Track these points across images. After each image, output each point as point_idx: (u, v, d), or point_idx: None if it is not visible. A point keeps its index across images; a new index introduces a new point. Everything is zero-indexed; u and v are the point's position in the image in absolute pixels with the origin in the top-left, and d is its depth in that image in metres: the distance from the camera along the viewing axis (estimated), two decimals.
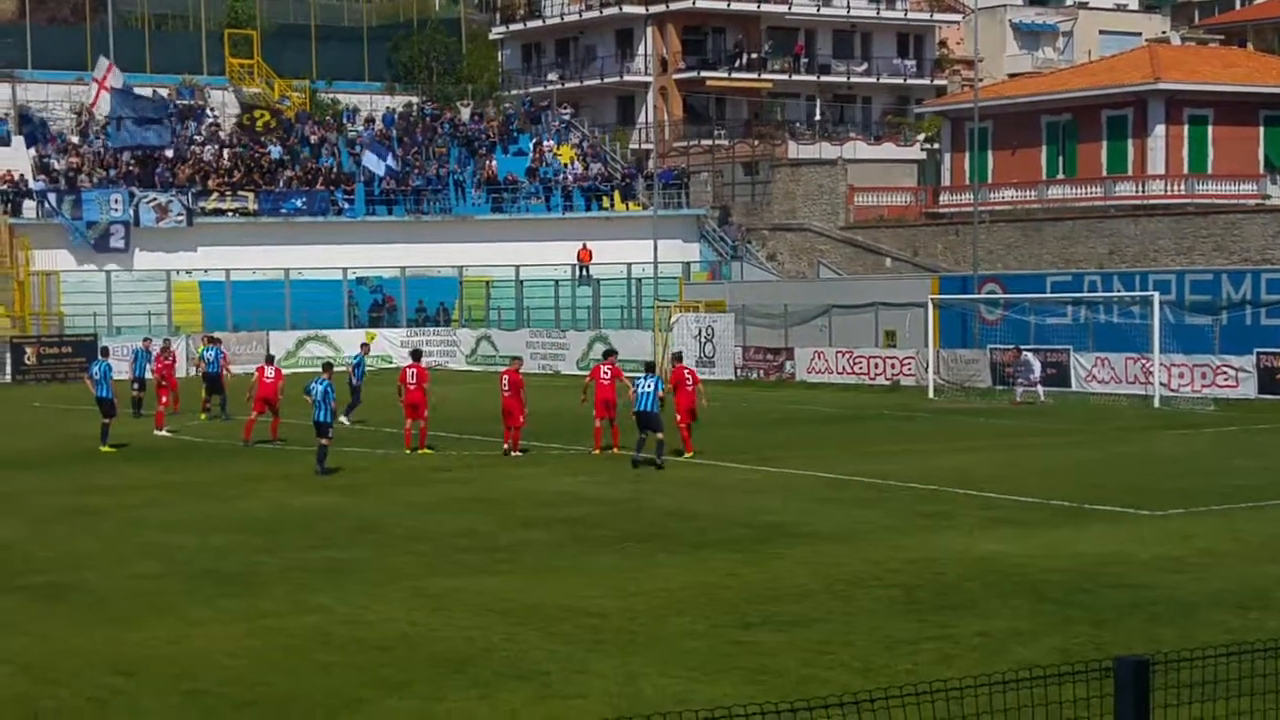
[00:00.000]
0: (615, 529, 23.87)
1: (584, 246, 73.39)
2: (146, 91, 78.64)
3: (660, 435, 31.57)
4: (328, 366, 33.24)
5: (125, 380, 44.53)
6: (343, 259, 72.03)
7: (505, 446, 34.04)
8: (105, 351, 41.70)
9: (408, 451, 34.61)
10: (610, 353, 37.32)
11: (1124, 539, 22.26)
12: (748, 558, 21.03)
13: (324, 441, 31.06)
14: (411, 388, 34.83)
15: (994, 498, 26.43)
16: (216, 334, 53.80)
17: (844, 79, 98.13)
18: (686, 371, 34.53)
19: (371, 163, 76.42)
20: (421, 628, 17.16)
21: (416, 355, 37.33)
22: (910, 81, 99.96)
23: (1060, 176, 77.28)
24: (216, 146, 77.35)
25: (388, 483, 29.99)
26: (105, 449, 36.45)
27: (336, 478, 30.53)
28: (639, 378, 32.95)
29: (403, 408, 35.32)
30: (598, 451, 34.06)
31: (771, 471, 30.69)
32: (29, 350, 63.14)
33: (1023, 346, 47.44)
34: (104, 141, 74.88)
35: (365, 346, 46.87)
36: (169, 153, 74.39)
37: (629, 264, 70.35)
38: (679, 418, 33.41)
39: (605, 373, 34.64)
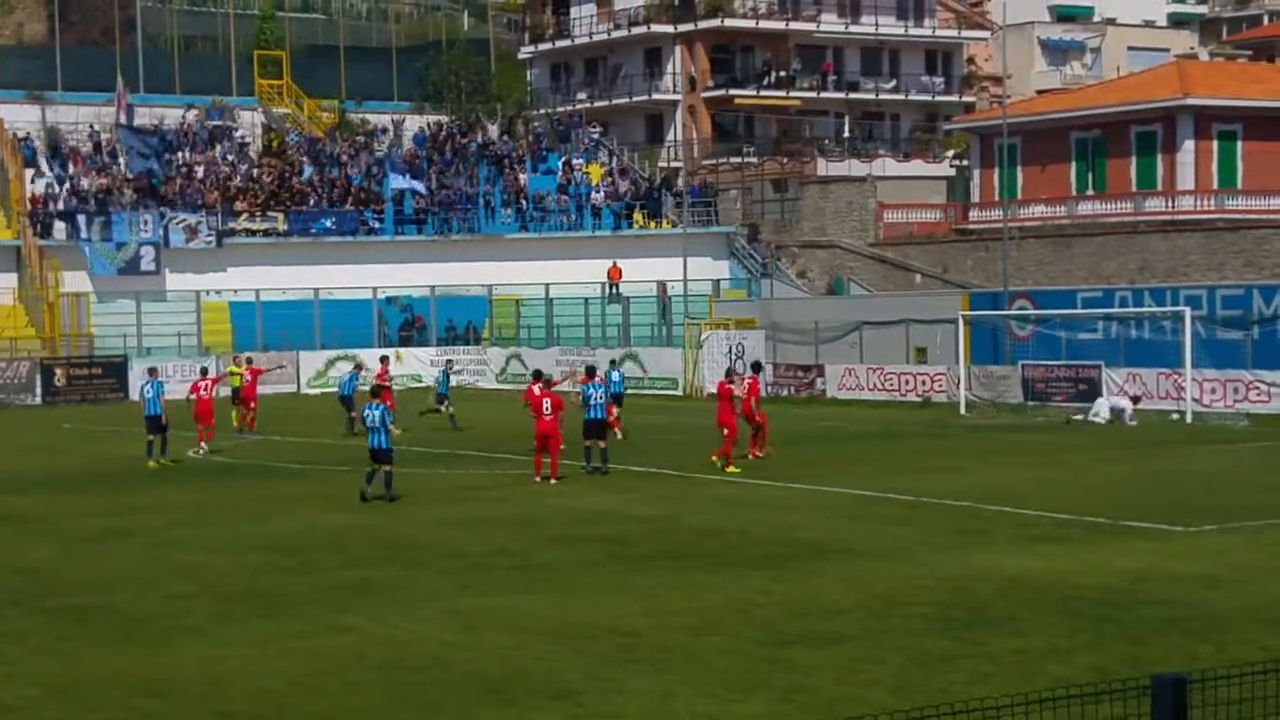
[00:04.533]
0: (649, 547, 23.80)
1: (614, 264, 73.43)
2: (174, 114, 78.97)
3: (604, 443, 33.22)
4: (376, 391, 32.56)
5: (177, 400, 44.01)
6: (372, 278, 72.22)
7: (542, 475, 32.32)
8: (153, 371, 41.84)
9: (537, 480, 32.46)
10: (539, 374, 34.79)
11: (1159, 555, 22.11)
12: (782, 575, 20.94)
13: (387, 467, 29.58)
14: (547, 418, 32.10)
15: (1028, 514, 26.29)
16: (246, 355, 53.86)
17: (872, 96, 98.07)
18: (747, 380, 36.15)
19: (397, 184, 76.57)
20: (455, 647, 17.11)
21: (543, 378, 33.40)
22: (939, 98, 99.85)
23: (1090, 192, 77.11)
24: (245, 167, 77.58)
25: (420, 501, 29.95)
26: (152, 465, 37.14)
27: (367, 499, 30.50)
28: (589, 386, 33.34)
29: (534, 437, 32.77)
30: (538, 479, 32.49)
31: (804, 489, 30.59)
32: (59, 371, 63.41)
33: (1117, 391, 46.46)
34: (127, 165, 75.10)
35: (359, 367, 48.07)
36: (178, 181, 74.52)
37: (659, 281, 70.32)
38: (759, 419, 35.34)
39: (547, 407, 32.18)
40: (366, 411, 30.42)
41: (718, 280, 74.12)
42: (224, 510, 29.27)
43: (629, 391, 60.04)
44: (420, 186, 77.14)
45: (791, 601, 19.19)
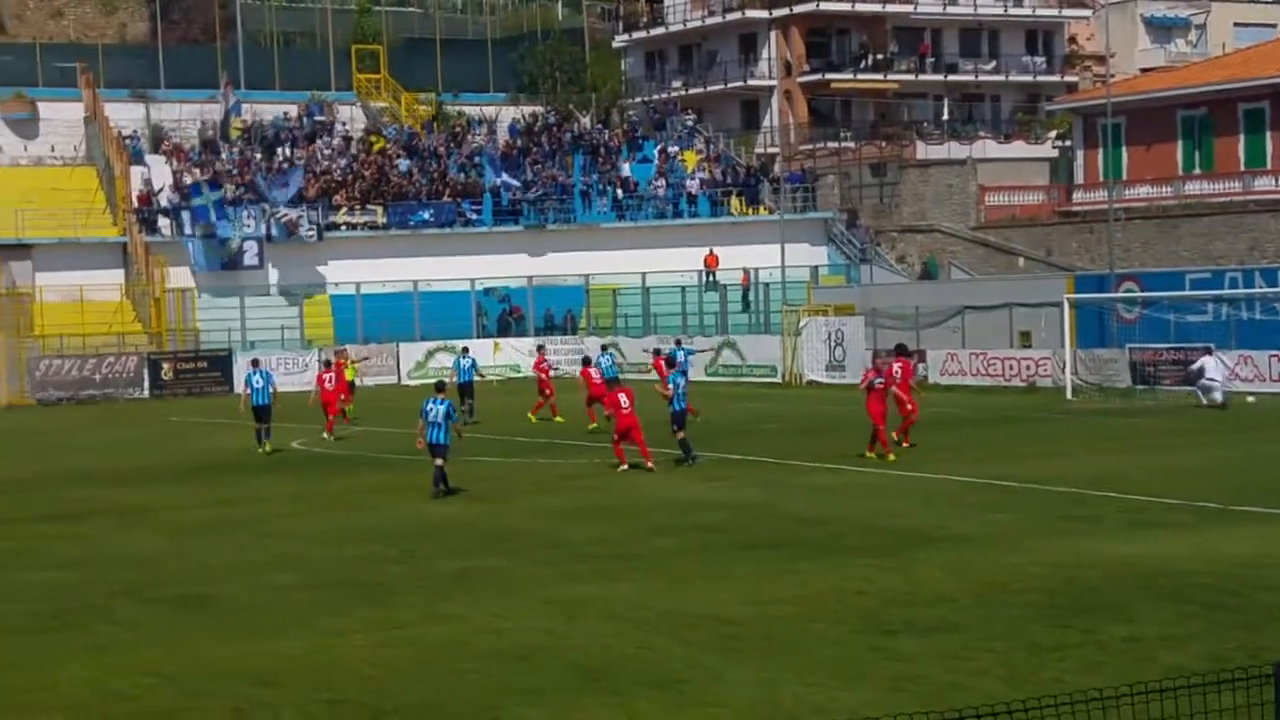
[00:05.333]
0: (748, 535, 23.70)
1: (710, 252, 73.22)
2: (275, 110, 79.59)
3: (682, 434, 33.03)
4: (441, 386, 32.65)
5: (286, 391, 45.26)
6: (470, 269, 72.40)
7: (627, 464, 32.53)
8: (256, 362, 43.33)
9: (623, 467, 32.66)
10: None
11: (1271, 541, 21.73)
12: (884, 563, 20.77)
13: (439, 461, 29.53)
14: (625, 412, 32.53)
15: (1136, 499, 25.95)
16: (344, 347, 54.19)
17: (972, 78, 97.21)
18: (898, 365, 35.35)
19: (493, 179, 76.87)
20: (556, 636, 17.10)
21: (671, 361, 34.38)
22: (1040, 79, 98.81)
23: (1197, 172, 76.05)
24: (345, 161, 78.07)
25: (518, 491, 30.00)
26: (262, 451, 38.40)
27: (467, 487, 30.56)
28: (675, 375, 33.76)
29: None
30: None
31: (906, 475, 30.33)
32: (165, 366, 64.24)
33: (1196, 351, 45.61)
34: (231, 159, 75.74)
35: (465, 350, 49.55)
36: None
37: (756, 269, 70.07)
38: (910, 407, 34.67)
39: (625, 401, 32.73)
40: (431, 406, 29.66)
41: (816, 266, 73.75)
42: (326, 501, 29.46)
43: (728, 379, 60.15)
44: (515, 182, 77.32)
45: (895, 589, 19.02)
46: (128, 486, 33.03)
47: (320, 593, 20.17)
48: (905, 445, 34.45)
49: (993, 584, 19.08)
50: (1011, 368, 53.23)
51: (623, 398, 32.81)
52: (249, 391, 39.97)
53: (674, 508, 26.96)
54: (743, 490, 29.09)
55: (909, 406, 35.17)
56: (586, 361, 35.92)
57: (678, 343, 54.24)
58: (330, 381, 43.25)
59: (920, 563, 20.71)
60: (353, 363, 50.59)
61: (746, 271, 70.41)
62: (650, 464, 32.29)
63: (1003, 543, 22.14)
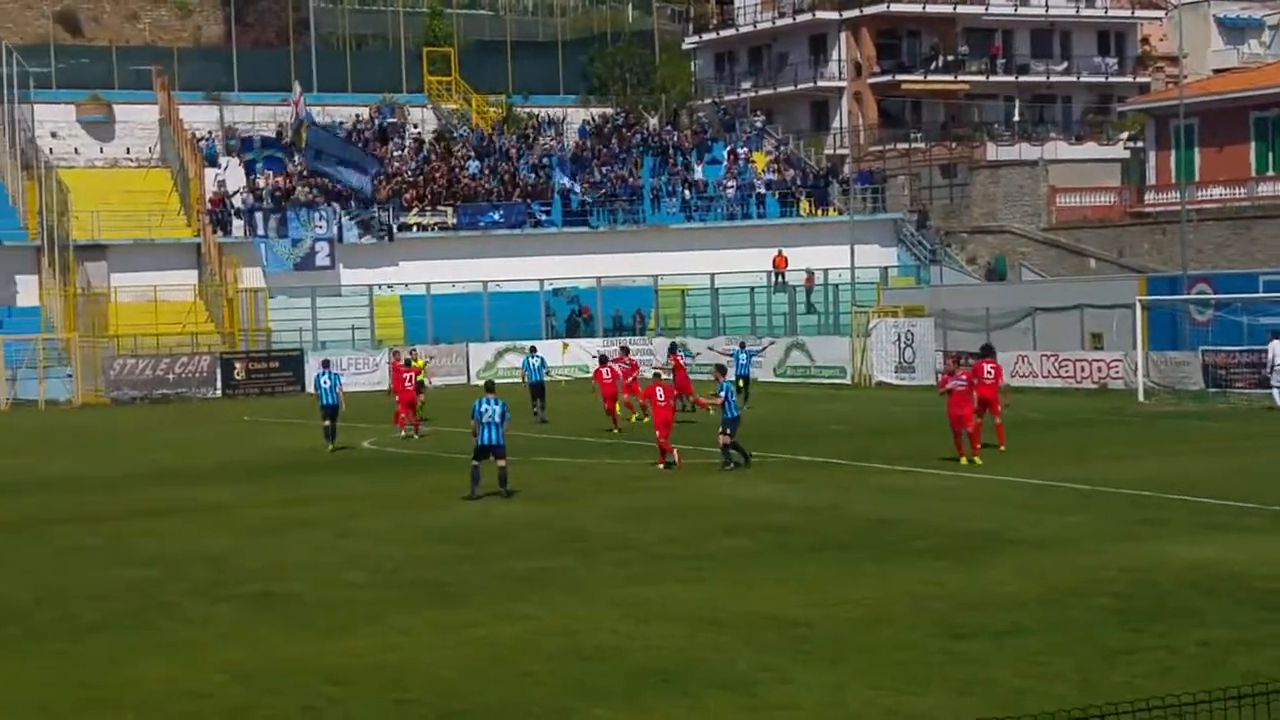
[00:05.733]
0: (818, 536, 23.66)
1: (779, 253, 73.14)
2: (347, 112, 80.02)
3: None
4: (491, 386, 32.72)
5: (355, 392, 45.92)
6: (540, 270, 72.59)
7: (668, 460, 33.15)
8: (327, 363, 44.44)
9: (669, 462, 33.38)
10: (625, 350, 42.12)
11: None
12: (954, 566, 20.69)
13: (502, 462, 29.25)
14: (662, 405, 33.72)
15: (1209, 503, 25.74)
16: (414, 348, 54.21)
17: (1043, 78, 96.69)
18: (989, 366, 34.84)
19: (560, 180, 77.11)
20: (627, 637, 17.12)
21: (723, 369, 36.35)
22: (1112, 79, 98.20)
23: (1270, 173, 75.31)
24: (416, 163, 78.43)
25: (587, 492, 30.06)
26: (330, 449, 39.07)
27: (537, 488, 30.65)
28: (726, 382, 33.87)
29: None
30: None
31: (976, 478, 30.23)
32: (238, 365, 64.69)
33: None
34: (304, 164, 76.16)
35: (533, 349, 50.15)
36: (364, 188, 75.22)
37: (825, 269, 69.92)
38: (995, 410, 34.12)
39: (661, 395, 34.08)
40: (485, 406, 29.24)
41: (885, 268, 73.56)
42: (397, 500, 29.59)
43: (796, 380, 60.08)
44: (578, 188, 77.42)
45: (965, 593, 18.95)
46: (203, 485, 33.28)
47: (392, 592, 20.28)
48: (1001, 448, 34.05)
49: (1064, 587, 18.97)
50: (1083, 370, 52.89)
51: (659, 391, 34.02)
52: (318, 392, 40.90)
53: (744, 509, 26.95)
54: (812, 492, 29.05)
55: (999, 409, 34.71)
56: (723, 370, 36.00)
57: (741, 345, 54.66)
58: (410, 380, 43.60)
59: (991, 566, 20.62)
60: (416, 362, 50.64)
61: (810, 273, 70.29)
62: (668, 459, 33.19)
63: (1074, 546, 22.02)
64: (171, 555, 23.84)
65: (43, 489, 33.48)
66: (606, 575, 20.91)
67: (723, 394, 33.29)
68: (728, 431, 32.91)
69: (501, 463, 29.18)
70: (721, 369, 36.66)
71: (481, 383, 35.32)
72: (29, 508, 30.27)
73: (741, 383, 46.54)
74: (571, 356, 67.28)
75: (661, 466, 33.16)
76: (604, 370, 43.34)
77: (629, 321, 73.34)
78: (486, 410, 29.19)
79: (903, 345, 57.38)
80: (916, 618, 17.56)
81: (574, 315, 73.83)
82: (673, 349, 50.45)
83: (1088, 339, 54.89)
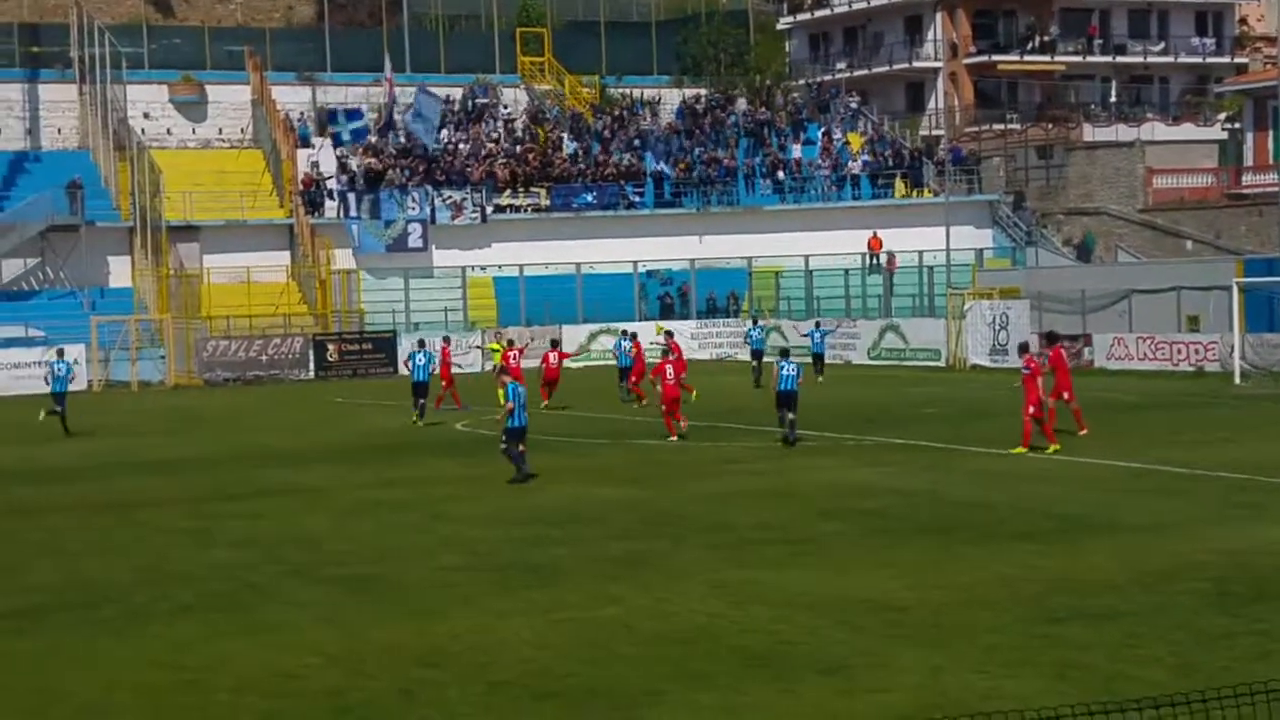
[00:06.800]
0: (912, 520, 23.59)
1: (874, 235, 72.84)
2: (440, 93, 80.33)
3: (794, 415, 33.89)
4: (503, 370, 33.29)
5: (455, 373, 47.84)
6: (633, 252, 72.65)
7: (676, 437, 35.61)
8: (422, 343, 46.45)
9: (674, 439, 35.73)
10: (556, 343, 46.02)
11: None
12: (1049, 550, 20.58)
13: (521, 447, 29.39)
14: (671, 382, 36.27)
15: None
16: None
17: (1140, 59, 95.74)
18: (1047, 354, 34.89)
19: (652, 163, 77.14)
20: (722, 620, 17.14)
21: (785, 352, 37.67)
22: (1209, 60, 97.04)
23: None
24: (510, 144, 78.64)
25: (680, 475, 30.06)
26: (417, 422, 41.31)
27: (630, 470, 30.71)
28: (781, 362, 34.85)
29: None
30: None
31: (1071, 461, 30.04)
32: (331, 347, 65.11)
33: None
34: (396, 146, 76.50)
35: (626, 334, 50.87)
36: (442, 149, 75.60)
37: (920, 251, 69.56)
38: (1067, 397, 33.96)
39: (670, 373, 36.70)
40: (518, 388, 29.62)
41: (981, 249, 73.07)
42: (489, 483, 29.67)
43: (890, 363, 59.91)
44: (668, 170, 77.41)
45: (1061, 577, 18.84)
46: (296, 467, 33.54)
47: (485, 574, 20.38)
48: (1082, 432, 33.83)
49: (1160, 571, 18.83)
50: (1179, 352, 52.40)
51: (669, 369, 36.10)
52: (411, 369, 43.14)
53: (837, 492, 26.91)
54: (906, 475, 28.95)
55: (1067, 395, 34.40)
56: (785, 353, 36.40)
57: (816, 324, 57.49)
58: (516, 358, 44.42)
59: (1086, 550, 20.50)
60: (491, 349, 51.52)
61: (891, 255, 69.98)
62: (677, 433, 35.56)
63: (1170, 530, 21.85)
64: (265, 538, 24.05)
65: (137, 471, 33.82)
66: (700, 559, 20.93)
67: (779, 369, 34.68)
68: (784, 408, 34.07)
69: (521, 447, 29.47)
70: (785, 352, 37.44)
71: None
72: (123, 490, 30.60)
73: (815, 360, 53.22)
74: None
75: (674, 439, 35.35)
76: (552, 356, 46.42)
77: (723, 304, 73.32)
78: (521, 393, 29.65)
79: (997, 328, 57.01)
80: (1012, 602, 17.48)
81: (668, 297, 73.75)
82: (669, 334, 51.69)
83: (1184, 321, 54.37)
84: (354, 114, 75.59)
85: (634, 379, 46.52)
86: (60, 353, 46.58)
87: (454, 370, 47.71)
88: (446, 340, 49.69)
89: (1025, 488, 26.85)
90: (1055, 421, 32.81)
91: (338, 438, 39.91)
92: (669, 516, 24.83)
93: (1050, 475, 28.38)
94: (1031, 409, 31.89)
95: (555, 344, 48.67)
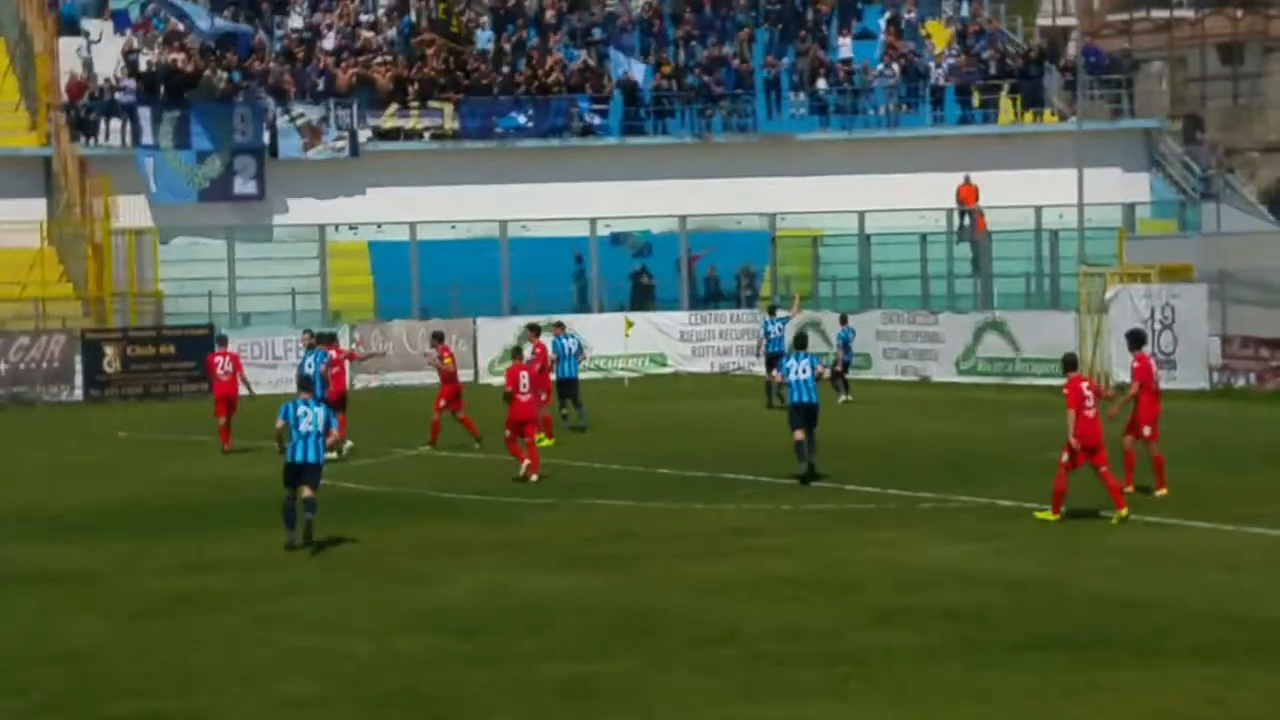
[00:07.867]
0: (1026, 628, 23.61)
1: (966, 180, 72.92)
2: None
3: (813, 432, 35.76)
4: (307, 383, 32.97)
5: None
6: (589, 204, 72.29)
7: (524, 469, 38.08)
8: (333, 338, 48.51)
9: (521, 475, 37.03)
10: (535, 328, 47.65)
11: None
12: (1240, 674, 20.68)
13: (309, 494, 30.53)
14: (524, 398, 38.86)
15: None
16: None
17: None
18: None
19: (622, 65, 77.02)
20: None
21: (801, 341, 38.48)
22: None
23: None
24: (398, 34, 78.39)
25: (660, 553, 30.11)
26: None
27: (582, 545, 30.71)
28: (789, 360, 36.04)
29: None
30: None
31: (1269, 535, 30.24)
32: (109, 351, 64.29)
33: None
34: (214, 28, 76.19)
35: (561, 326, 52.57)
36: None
37: (1037, 207, 69.58)
38: (1150, 433, 34.65)
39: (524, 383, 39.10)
40: (299, 409, 30.57)
41: (1133, 205, 73.21)
42: (360, 565, 29.67)
43: (994, 380, 60.16)
44: (646, 76, 77.28)
45: (1257, 716, 18.89)
46: (58, 539, 33.42)
47: (356, 712, 20.30)
48: (1160, 491, 34.45)
49: None
50: None
51: (524, 376, 38.32)
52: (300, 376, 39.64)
53: (907, 582, 26.97)
54: (1017, 556, 29.11)
55: (1149, 431, 34.93)
56: (800, 342, 37.00)
57: (842, 319, 60.87)
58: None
59: None
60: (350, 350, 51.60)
61: (981, 213, 70.08)
62: (534, 474, 37.36)
63: None
64: (6, 654, 23.85)
65: None
66: (696, 687, 20.91)
67: (781, 373, 36.71)
68: (794, 425, 35.99)
69: (309, 492, 30.09)
70: (801, 340, 37.73)
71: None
72: None
73: (841, 369, 56.31)
74: (640, 339, 66.63)
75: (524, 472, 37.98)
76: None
77: (731, 284, 73.17)
78: (304, 415, 30.21)
79: (1158, 326, 56.98)
80: None
81: (642, 274, 73.54)
82: (535, 330, 51.08)
83: None
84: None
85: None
86: None
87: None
88: (333, 337, 49.79)
89: (1202, 576, 27.02)
90: (1133, 473, 33.51)
91: (121, 493, 39.83)
92: (641, 619, 24.81)
93: (1239, 557, 28.57)
94: (1128, 437, 33.48)
95: (439, 338, 50.00)
